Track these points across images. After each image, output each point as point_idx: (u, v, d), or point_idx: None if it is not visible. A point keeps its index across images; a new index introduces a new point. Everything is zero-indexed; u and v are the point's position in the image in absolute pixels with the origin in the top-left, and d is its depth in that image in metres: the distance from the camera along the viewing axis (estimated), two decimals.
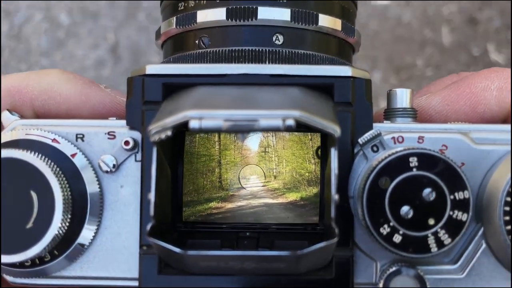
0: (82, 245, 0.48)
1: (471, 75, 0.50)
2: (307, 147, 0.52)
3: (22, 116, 0.50)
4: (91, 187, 0.47)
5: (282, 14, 0.49)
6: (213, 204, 0.52)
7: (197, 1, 0.50)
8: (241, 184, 0.53)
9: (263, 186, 0.53)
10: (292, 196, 0.52)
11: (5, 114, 0.49)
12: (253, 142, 0.53)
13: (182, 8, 0.51)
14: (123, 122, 0.48)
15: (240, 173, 0.53)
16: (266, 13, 0.49)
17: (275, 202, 0.52)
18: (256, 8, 0.49)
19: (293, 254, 0.40)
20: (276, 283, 0.46)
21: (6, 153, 0.45)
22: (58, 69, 0.52)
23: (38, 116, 0.51)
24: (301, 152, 0.52)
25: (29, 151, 0.45)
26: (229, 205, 0.52)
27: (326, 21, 0.50)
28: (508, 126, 0.48)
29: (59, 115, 0.50)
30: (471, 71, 0.53)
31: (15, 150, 0.45)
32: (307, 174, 0.52)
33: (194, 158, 0.52)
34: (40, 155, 0.45)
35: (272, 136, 0.52)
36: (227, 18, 0.49)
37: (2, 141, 0.47)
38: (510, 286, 0.48)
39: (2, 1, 1.53)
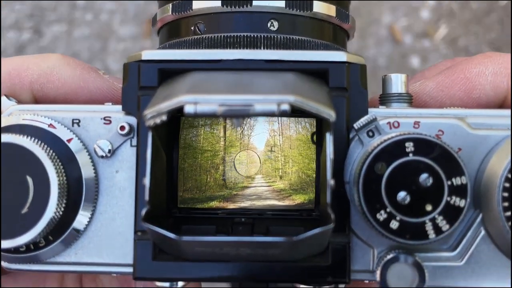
0: (77, 231, 0.47)
1: (465, 60, 0.50)
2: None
3: (19, 101, 0.50)
4: (87, 172, 0.47)
5: (277, 1, 0.49)
6: (214, 204, 0.51)
7: None
8: (236, 169, 0.52)
9: (268, 186, 0.52)
10: (299, 199, 0.51)
11: (2, 99, 0.49)
12: (259, 140, 0.52)
13: None
14: (119, 107, 0.48)
15: (235, 159, 0.52)
16: None
17: (281, 205, 0.51)
18: None
19: (289, 240, 0.39)
20: (272, 269, 0.46)
21: (3, 138, 0.45)
22: (58, 54, 0.52)
23: (36, 99, 0.51)
24: (308, 152, 0.51)
25: (25, 136, 0.45)
26: (231, 206, 0.51)
27: (321, 7, 0.50)
28: (505, 111, 0.47)
29: (57, 99, 0.51)
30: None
31: (11, 135, 0.45)
32: (314, 175, 0.50)
33: (197, 153, 0.51)
34: (36, 140, 0.45)
35: (279, 135, 0.51)
36: (223, 4, 0.49)
37: None
38: (510, 273, 0.46)
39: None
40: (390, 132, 0.47)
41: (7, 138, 0.45)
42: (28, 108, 0.48)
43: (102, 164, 0.48)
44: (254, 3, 0.48)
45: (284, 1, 0.49)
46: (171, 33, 0.53)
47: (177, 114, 0.45)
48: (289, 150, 0.52)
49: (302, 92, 0.41)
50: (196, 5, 0.50)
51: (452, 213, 0.43)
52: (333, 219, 0.40)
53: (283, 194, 0.52)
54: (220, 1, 0.49)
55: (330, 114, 0.41)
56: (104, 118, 0.48)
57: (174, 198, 0.50)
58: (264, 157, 0.52)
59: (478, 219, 0.47)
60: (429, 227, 0.43)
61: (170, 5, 0.51)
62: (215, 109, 0.39)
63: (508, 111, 0.47)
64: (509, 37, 1.80)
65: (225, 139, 0.52)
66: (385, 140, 0.44)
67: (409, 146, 0.44)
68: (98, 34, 1.78)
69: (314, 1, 0.50)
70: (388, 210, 0.43)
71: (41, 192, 0.44)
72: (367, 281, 0.48)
